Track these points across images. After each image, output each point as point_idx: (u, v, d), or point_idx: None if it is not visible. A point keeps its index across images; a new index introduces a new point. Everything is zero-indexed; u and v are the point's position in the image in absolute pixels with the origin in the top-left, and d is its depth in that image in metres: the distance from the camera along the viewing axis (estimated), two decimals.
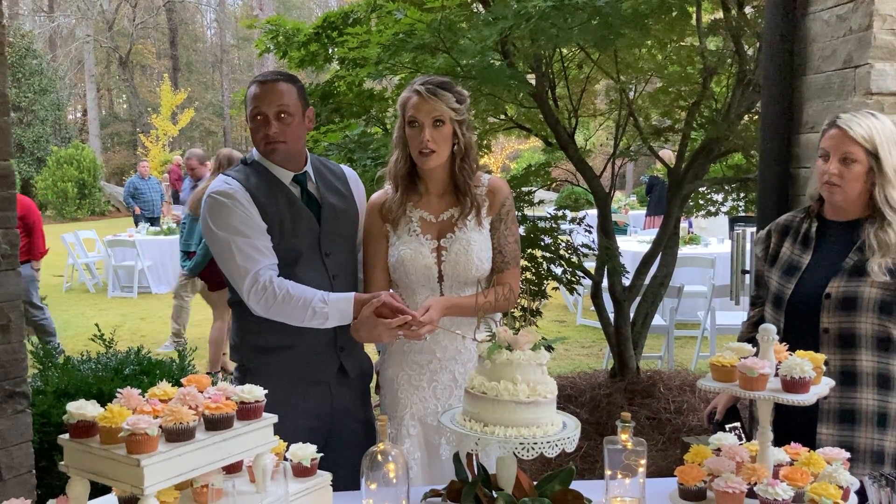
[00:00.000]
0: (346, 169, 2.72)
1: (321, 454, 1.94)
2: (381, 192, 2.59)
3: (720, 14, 5.04)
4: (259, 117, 2.42)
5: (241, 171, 2.50)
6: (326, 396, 2.51)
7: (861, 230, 2.25)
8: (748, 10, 4.76)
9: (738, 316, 6.21)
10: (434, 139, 2.40)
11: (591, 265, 5.63)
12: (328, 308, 2.35)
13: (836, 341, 2.23)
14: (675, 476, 1.94)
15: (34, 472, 2.82)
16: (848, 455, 1.94)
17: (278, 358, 2.46)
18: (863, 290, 2.19)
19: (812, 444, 2.20)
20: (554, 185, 6.57)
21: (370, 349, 2.71)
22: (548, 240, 5.18)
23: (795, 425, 2.16)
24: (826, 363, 1.99)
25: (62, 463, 1.64)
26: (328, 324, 2.38)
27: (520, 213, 5.01)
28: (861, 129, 2.18)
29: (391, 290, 2.36)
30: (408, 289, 2.51)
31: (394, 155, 2.52)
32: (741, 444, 2.00)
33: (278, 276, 2.40)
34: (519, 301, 4.13)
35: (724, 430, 2.29)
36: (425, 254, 2.46)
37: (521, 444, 1.76)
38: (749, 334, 2.42)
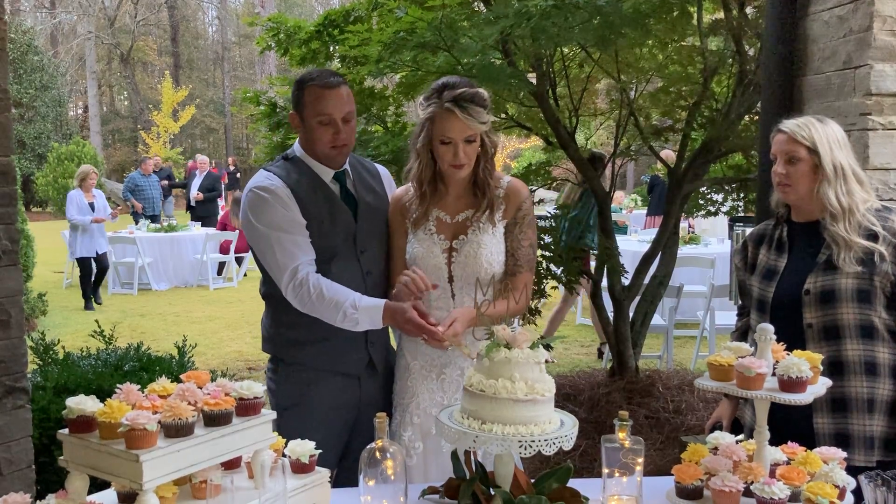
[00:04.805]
0: (380, 167, 2.75)
1: (324, 449, 1.94)
2: (403, 188, 2.61)
3: (721, 14, 5.03)
4: (328, 122, 2.45)
5: (283, 167, 2.53)
6: (356, 389, 2.55)
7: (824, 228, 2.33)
8: (749, 10, 4.75)
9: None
10: (467, 154, 2.42)
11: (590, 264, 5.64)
12: (358, 314, 2.38)
13: (821, 334, 2.29)
14: (673, 475, 1.94)
15: (34, 467, 2.82)
16: (844, 454, 1.95)
17: (310, 351, 2.51)
18: (839, 283, 2.25)
19: (810, 433, 2.25)
20: (554, 184, 6.55)
21: (393, 342, 2.73)
22: (548, 239, 5.18)
23: (793, 417, 2.18)
24: None
25: (62, 458, 1.65)
26: (359, 328, 2.41)
27: None
28: (800, 130, 2.31)
29: (419, 300, 2.36)
30: None
31: (415, 161, 2.50)
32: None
33: (316, 271, 2.43)
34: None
35: None
36: (436, 253, 2.48)
37: (518, 441, 1.76)
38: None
